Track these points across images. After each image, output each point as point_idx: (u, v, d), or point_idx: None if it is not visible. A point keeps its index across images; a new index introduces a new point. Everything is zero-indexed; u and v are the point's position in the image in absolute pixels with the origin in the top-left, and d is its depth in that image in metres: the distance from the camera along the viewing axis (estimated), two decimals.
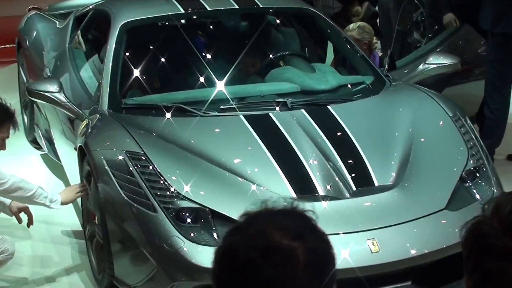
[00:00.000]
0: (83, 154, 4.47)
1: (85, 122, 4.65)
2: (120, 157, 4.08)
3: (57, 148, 5.61)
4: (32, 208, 4.58)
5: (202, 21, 5.53)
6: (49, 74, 5.78)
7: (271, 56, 5.29)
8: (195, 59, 5.02)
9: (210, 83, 4.84)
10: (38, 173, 6.08)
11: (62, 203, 4.50)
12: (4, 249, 4.32)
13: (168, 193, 3.90)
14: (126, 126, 4.36)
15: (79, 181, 4.67)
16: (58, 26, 6.36)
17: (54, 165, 5.93)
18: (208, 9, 5.25)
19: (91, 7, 6.01)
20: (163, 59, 5.08)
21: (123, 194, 3.95)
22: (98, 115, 4.62)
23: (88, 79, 5.30)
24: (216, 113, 4.51)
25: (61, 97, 4.85)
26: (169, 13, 5.21)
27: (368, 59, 5.24)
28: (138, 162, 4.03)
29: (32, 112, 6.36)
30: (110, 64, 4.88)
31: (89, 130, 4.48)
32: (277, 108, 4.53)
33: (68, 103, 4.85)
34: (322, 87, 4.81)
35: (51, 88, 4.87)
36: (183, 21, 5.42)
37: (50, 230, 5.20)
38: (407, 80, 5.07)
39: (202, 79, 4.92)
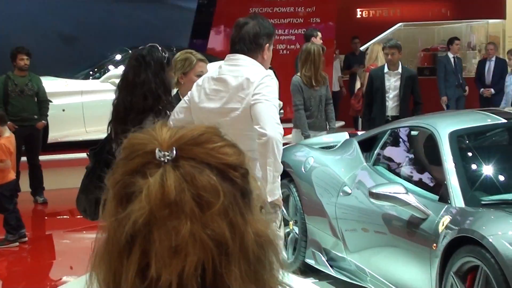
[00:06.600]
0: (447, 253, 4.54)
1: (445, 219, 4.69)
2: None
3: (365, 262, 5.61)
4: None
5: None
6: (349, 191, 5.90)
7: None
8: None
9: None
10: None
11: None
12: None
13: None
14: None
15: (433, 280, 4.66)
16: (337, 153, 6.55)
17: None
18: None
19: (379, 131, 6.30)
20: (495, 161, 5.21)
21: None
22: (461, 211, 4.69)
23: (410, 186, 5.37)
24: None
25: (410, 197, 4.94)
26: (495, 122, 5.44)
27: None
28: None
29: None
30: (454, 166, 5.01)
31: (454, 226, 4.55)
32: None
33: (419, 204, 4.91)
34: None
35: (399, 189, 4.97)
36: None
37: None
38: None
39: None
